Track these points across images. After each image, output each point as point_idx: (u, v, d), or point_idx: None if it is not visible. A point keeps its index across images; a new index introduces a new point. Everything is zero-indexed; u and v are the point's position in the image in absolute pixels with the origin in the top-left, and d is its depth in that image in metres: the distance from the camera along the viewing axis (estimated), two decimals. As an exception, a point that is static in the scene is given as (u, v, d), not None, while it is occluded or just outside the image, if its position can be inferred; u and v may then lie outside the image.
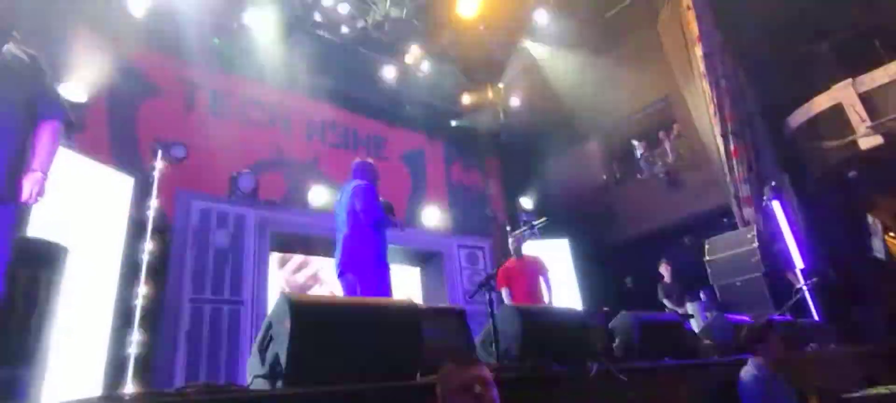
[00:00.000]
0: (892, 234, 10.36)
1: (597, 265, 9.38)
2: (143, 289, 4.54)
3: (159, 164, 5.16)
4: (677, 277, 7.78)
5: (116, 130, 6.34)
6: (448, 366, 1.88)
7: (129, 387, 4.21)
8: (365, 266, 3.79)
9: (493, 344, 2.68)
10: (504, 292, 5.45)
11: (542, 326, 2.88)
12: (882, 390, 3.87)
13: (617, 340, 3.57)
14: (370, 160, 4.67)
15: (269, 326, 1.99)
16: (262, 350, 2.00)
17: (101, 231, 4.37)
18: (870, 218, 9.13)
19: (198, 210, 5.41)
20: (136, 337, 4.36)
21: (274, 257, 6.36)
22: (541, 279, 5.56)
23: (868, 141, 7.60)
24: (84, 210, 4.18)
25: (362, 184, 4.25)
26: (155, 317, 4.75)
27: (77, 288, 3.90)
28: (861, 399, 3.72)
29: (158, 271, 4.88)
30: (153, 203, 4.88)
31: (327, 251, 7.05)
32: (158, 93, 6.83)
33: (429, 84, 9.56)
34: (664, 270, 7.84)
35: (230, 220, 5.63)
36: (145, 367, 4.48)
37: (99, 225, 4.35)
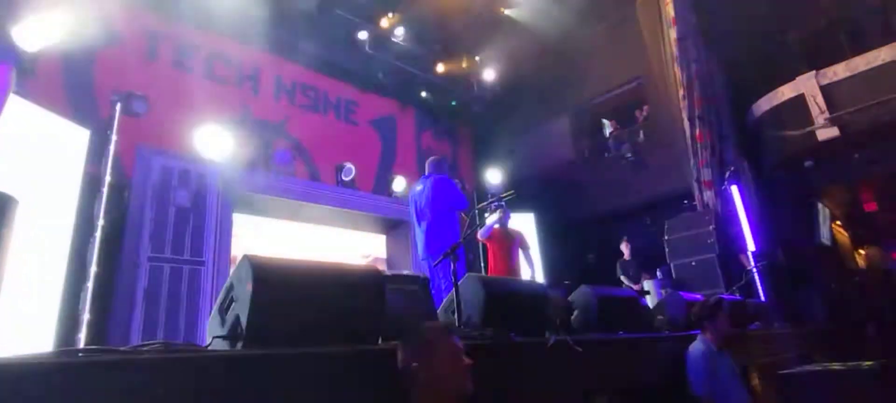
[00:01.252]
0: (838, 223, 10.92)
1: (561, 239, 9.58)
2: (98, 247, 4.41)
3: (118, 117, 4.96)
4: (636, 255, 8.04)
5: (72, 79, 6.05)
6: (435, 327, 1.91)
7: (83, 344, 4.12)
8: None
9: (455, 313, 2.73)
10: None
11: (503, 297, 2.95)
12: (816, 367, 4.13)
13: (576, 313, 3.69)
14: (441, 156, 5.68)
15: (231, 287, 1.98)
16: (223, 312, 1.99)
17: (54, 185, 4.20)
18: (820, 207, 9.57)
19: (159, 166, 5.24)
20: (90, 295, 4.25)
21: (238, 218, 6.26)
22: (520, 252, 5.79)
23: (825, 132, 7.91)
24: (36, 162, 4.01)
25: (443, 177, 5.04)
26: (111, 275, 4.63)
27: (28, 242, 3.76)
28: (797, 374, 3.96)
29: (115, 228, 4.74)
30: (111, 157, 4.70)
31: (292, 215, 7.00)
32: (118, 41, 6.52)
33: (403, 51, 9.42)
34: (624, 248, 8.08)
35: (192, 178, 5.48)
36: (100, 326, 4.39)
37: (52, 178, 4.18)
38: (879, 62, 7.50)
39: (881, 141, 7.83)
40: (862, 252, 12.33)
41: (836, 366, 3.98)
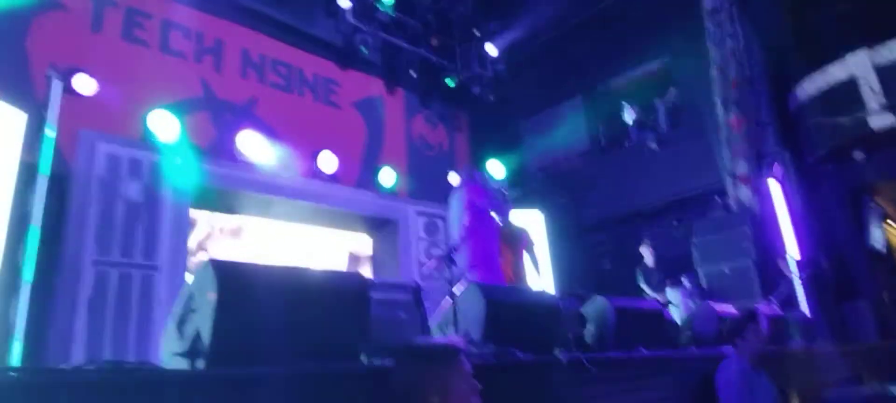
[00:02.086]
0: (891, 224, 10.99)
1: (573, 242, 9.61)
2: (34, 247, 4.38)
3: (57, 96, 4.93)
4: (660, 261, 8.07)
5: (1, 52, 6.00)
6: (449, 346, 1.89)
7: (17, 361, 4.10)
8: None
9: (452, 326, 2.74)
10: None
11: (507, 309, 2.96)
12: (866, 389, 4.17)
13: (589, 327, 3.71)
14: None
15: (190, 297, 1.98)
16: (181, 325, 1.99)
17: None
18: (871, 205, 9.63)
19: (105, 155, 5.23)
20: (24, 303, 4.23)
21: (197, 215, 6.25)
22: (524, 253, 5.80)
23: (880, 119, 7.92)
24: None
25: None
26: (49, 281, 4.61)
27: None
28: (843, 397, 4.00)
29: (54, 226, 4.72)
30: (48, 143, 4.67)
31: (261, 210, 6.99)
32: (57, 5, 6.47)
33: (392, 22, 9.40)
34: (646, 252, 8.12)
35: (144, 169, 5.47)
36: (37, 340, 4.37)
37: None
38: (942, 38, 7.52)
39: (942, 130, 7.87)
40: (919, 258, 12.44)
41: (889, 390, 4.02)
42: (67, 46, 6.24)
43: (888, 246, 10.17)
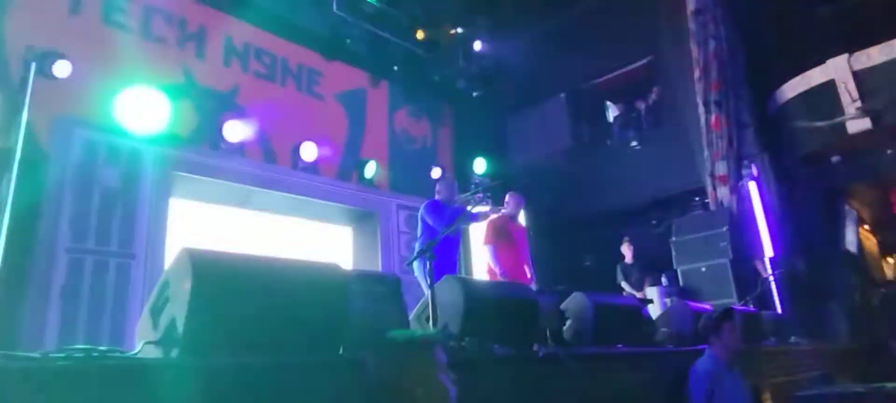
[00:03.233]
0: (866, 227, 11.23)
1: (554, 238, 9.66)
2: (7, 233, 4.30)
3: (33, 80, 4.83)
4: (640, 258, 8.16)
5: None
6: (434, 340, 1.91)
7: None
8: None
9: (429, 320, 2.74)
10: (488, 249, 5.59)
11: (486, 302, 2.97)
12: (835, 388, 4.26)
13: (569, 322, 3.74)
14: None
15: (166, 285, 1.96)
16: (156, 313, 1.97)
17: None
18: (847, 208, 9.82)
19: (81, 140, 5.14)
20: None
21: (176, 204, 6.17)
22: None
23: (856, 124, 8.07)
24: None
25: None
26: (22, 267, 4.53)
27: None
28: (813, 396, 4.09)
29: (28, 212, 4.63)
30: (23, 128, 4.58)
31: (241, 202, 6.92)
32: (34, -11, 6.34)
33: (377, 13, 9.35)
34: (626, 250, 8.20)
35: (122, 156, 5.38)
36: (8, 327, 4.30)
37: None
38: (919, 46, 7.66)
39: (917, 136, 8.04)
40: (890, 260, 12.75)
41: (857, 388, 4.11)
42: (45, 29, 6.11)
43: (861, 248, 10.40)
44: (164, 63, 7.28)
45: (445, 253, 5.27)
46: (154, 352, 1.85)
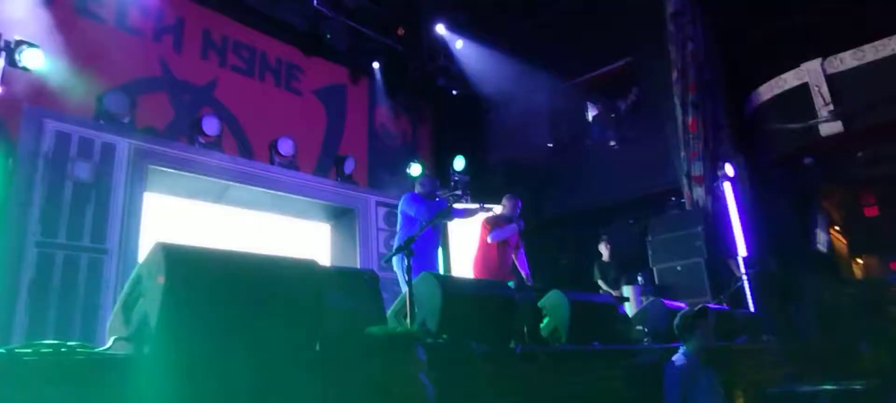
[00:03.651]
0: (836, 228, 11.50)
1: (532, 236, 9.69)
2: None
3: (3, 70, 4.73)
4: (617, 257, 8.24)
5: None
6: (413, 336, 1.92)
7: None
8: None
9: (407, 316, 2.74)
10: (494, 233, 5.63)
11: (464, 299, 2.98)
12: (805, 387, 4.35)
13: (546, 320, 3.77)
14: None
15: (139, 280, 1.93)
16: (128, 308, 1.94)
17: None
18: (818, 209, 10.04)
19: (52, 132, 5.01)
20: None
21: (151, 198, 6.07)
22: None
23: (828, 127, 8.26)
24: None
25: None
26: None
27: None
28: (783, 394, 4.17)
29: (-4, 205, 4.53)
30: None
31: (217, 197, 6.84)
32: (4, -24, 6.19)
33: (359, 9, 9.30)
34: (603, 248, 8.27)
35: (96, 149, 5.27)
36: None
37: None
38: (888, 52, 7.85)
39: (885, 139, 8.24)
40: (859, 261, 13.07)
41: (826, 387, 4.20)
42: (16, 17, 5.97)
43: (831, 248, 10.64)
44: (141, 55, 7.17)
45: (425, 251, 5.26)
46: (126, 348, 1.82)
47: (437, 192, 5.76)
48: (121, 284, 4.86)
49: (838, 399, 4.22)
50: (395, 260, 4.78)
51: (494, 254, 5.63)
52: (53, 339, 4.39)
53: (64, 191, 4.98)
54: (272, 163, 7.34)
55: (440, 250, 5.98)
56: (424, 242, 5.23)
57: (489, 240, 5.62)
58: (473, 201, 6.12)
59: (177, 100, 7.29)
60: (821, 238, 9.92)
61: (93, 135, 5.28)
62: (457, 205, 5.62)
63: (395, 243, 5.47)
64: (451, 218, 5.73)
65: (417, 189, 5.66)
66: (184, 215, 6.64)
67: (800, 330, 7.38)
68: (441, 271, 5.56)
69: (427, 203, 5.34)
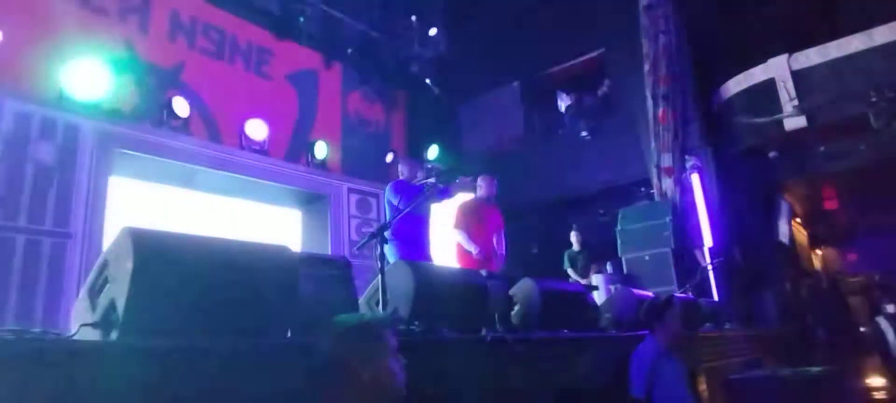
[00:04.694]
0: (798, 220, 11.84)
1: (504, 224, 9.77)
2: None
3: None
4: (586, 246, 8.36)
5: None
6: (381, 322, 1.92)
7: None
8: None
9: (379, 303, 2.75)
10: (461, 235, 5.50)
11: (436, 287, 3.00)
12: (764, 372, 4.50)
13: (516, 307, 3.81)
14: None
15: (105, 265, 1.89)
16: (94, 294, 1.90)
17: None
18: (782, 202, 10.33)
19: (12, 113, 4.86)
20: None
21: (116, 182, 5.94)
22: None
23: (793, 121, 8.48)
24: None
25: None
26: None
27: None
28: (744, 379, 4.31)
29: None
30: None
31: (185, 182, 6.72)
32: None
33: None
34: (574, 237, 8.39)
35: (59, 130, 5.13)
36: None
37: None
38: (852, 50, 8.08)
39: (846, 135, 8.50)
40: (819, 252, 13.51)
41: (783, 372, 4.36)
42: (-28, -8, 5.75)
43: (793, 240, 10.96)
44: (105, 35, 6.96)
45: (414, 236, 5.19)
46: (92, 335, 1.79)
47: (419, 173, 5.68)
48: (86, 269, 4.76)
49: (793, 383, 4.37)
50: (388, 247, 4.62)
51: (476, 237, 5.54)
52: (14, 325, 4.29)
53: (25, 174, 4.85)
54: (242, 147, 7.24)
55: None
56: (414, 228, 5.17)
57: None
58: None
59: (143, 82, 7.11)
60: (783, 229, 10.21)
61: (56, 117, 5.14)
62: (442, 184, 5.47)
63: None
64: (438, 200, 5.64)
65: (400, 173, 5.58)
66: (151, 200, 6.52)
67: (761, 318, 7.61)
68: (432, 256, 5.47)
69: (412, 187, 5.27)
